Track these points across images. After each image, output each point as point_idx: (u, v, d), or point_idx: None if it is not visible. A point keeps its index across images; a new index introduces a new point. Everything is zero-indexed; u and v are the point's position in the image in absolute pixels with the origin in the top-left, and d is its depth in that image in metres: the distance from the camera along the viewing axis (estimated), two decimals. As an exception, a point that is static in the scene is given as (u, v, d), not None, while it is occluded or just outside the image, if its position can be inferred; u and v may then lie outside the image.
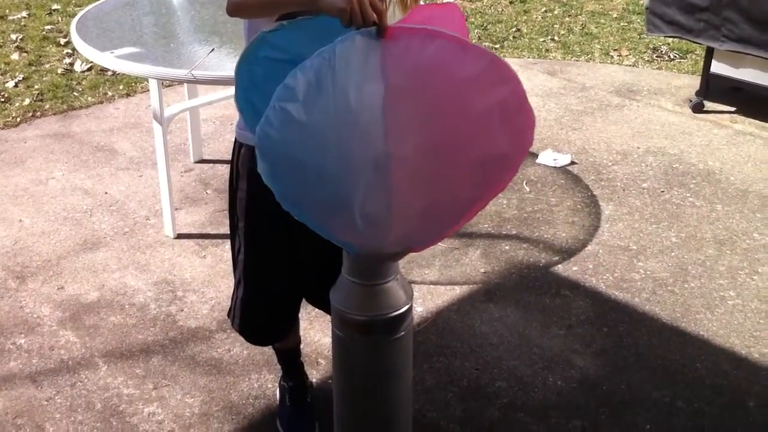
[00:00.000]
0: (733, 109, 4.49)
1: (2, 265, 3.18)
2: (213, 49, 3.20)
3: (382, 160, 1.48)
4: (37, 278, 3.11)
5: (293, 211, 1.56)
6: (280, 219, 1.63)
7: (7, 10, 5.87)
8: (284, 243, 1.99)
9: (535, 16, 5.99)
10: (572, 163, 3.94)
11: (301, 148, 1.49)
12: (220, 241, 3.34)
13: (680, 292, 3.01)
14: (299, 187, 1.54)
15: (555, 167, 3.91)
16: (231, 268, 3.10)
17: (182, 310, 2.93)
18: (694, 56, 5.19)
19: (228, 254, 3.20)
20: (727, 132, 4.26)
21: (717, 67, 4.41)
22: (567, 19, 5.94)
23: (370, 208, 1.52)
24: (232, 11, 1.74)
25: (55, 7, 5.97)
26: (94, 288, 3.05)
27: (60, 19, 5.73)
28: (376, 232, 1.56)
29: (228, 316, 2.31)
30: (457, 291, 3.04)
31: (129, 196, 3.68)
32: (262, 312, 2.22)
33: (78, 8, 5.67)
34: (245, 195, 2.06)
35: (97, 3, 3.70)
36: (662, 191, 3.71)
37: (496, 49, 5.41)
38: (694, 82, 4.67)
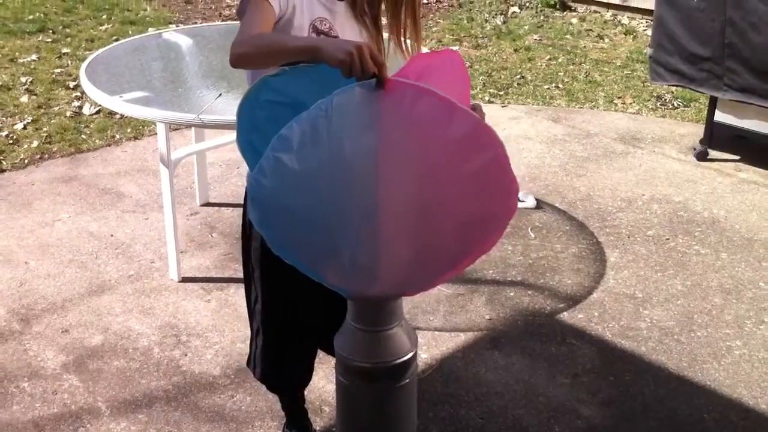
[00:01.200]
0: (737, 157, 4.51)
1: (8, 308, 3.18)
2: (220, 94, 3.23)
3: (371, 210, 1.51)
4: (41, 321, 3.10)
5: (284, 256, 1.59)
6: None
7: (18, 53, 5.94)
8: (301, 290, 1.98)
9: (539, 64, 6.05)
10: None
11: (292, 197, 1.51)
12: (224, 285, 3.34)
13: (687, 342, 3.00)
14: (290, 234, 1.56)
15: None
16: (235, 313, 3.12)
17: (186, 355, 2.91)
18: (697, 104, 5.23)
19: (232, 299, 3.22)
20: (731, 180, 4.28)
21: (720, 116, 4.44)
22: (571, 67, 6.00)
23: (359, 256, 1.54)
24: (236, 62, 1.75)
25: (65, 50, 6.04)
26: (98, 331, 3.05)
27: (70, 62, 5.80)
28: (366, 279, 1.58)
29: (248, 365, 2.32)
30: (462, 338, 3.03)
31: (135, 239, 3.69)
32: (283, 360, 2.23)
33: (88, 52, 5.75)
34: (259, 244, 2.07)
35: (107, 48, 3.75)
36: (667, 239, 3.71)
37: (500, 95, 5.46)
38: (698, 131, 4.69)
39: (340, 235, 1.54)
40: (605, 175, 4.33)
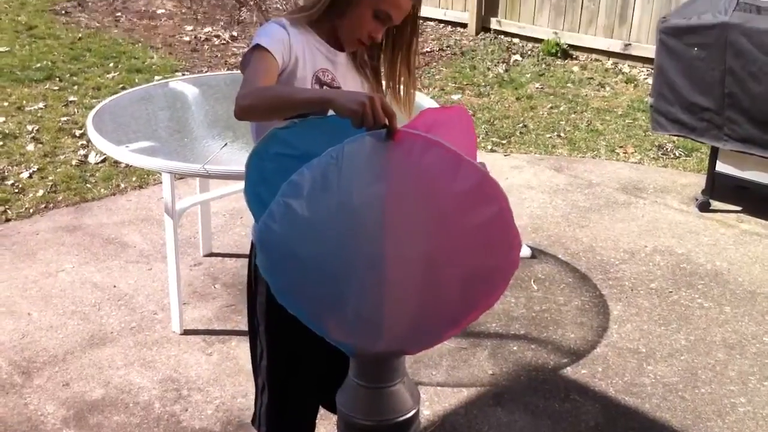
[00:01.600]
0: (739, 208, 4.52)
1: (9, 360, 3.17)
2: (226, 144, 3.26)
3: (377, 260, 1.52)
4: (42, 374, 3.09)
5: (289, 305, 1.59)
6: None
7: (24, 101, 6.00)
8: (307, 345, 1.97)
9: (541, 113, 6.09)
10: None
11: (301, 243, 1.52)
12: (226, 337, 3.34)
13: (690, 398, 2.98)
14: (296, 281, 1.56)
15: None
16: (237, 367, 3.11)
17: (187, 410, 2.90)
18: (699, 154, 5.25)
19: (234, 352, 3.22)
20: (734, 232, 4.28)
21: (722, 166, 4.45)
22: (573, 115, 6.04)
23: (363, 307, 1.54)
24: (242, 115, 1.76)
25: (71, 98, 6.09)
26: (99, 385, 3.04)
27: (76, 110, 5.85)
28: (370, 332, 1.58)
29: (252, 423, 2.30)
30: (465, 393, 3.02)
31: (137, 290, 3.69)
32: (289, 417, 2.22)
33: (95, 100, 5.80)
34: (265, 298, 2.07)
35: (114, 97, 3.79)
36: (670, 292, 3.71)
37: (503, 144, 5.49)
38: (700, 180, 4.71)
39: (345, 284, 1.54)
40: (608, 226, 4.34)
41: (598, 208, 4.56)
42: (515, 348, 3.29)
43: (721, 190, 4.57)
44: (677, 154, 5.34)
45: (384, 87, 2.10)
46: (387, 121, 1.50)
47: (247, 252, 2.21)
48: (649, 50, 6.21)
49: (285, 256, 1.54)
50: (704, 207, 4.53)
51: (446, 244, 1.53)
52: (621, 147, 5.47)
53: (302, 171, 1.48)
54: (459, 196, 1.49)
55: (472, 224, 1.50)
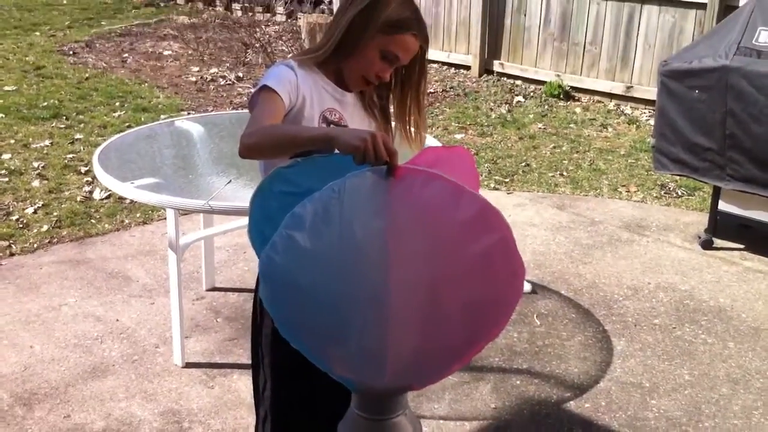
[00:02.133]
0: (742, 246, 4.53)
1: (11, 392, 3.16)
2: (230, 181, 3.29)
3: (380, 293, 1.52)
4: (44, 406, 3.08)
5: (291, 338, 1.59)
6: None
7: (31, 139, 6.05)
8: (312, 376, 1.97)
9: (544, 152, 6.13)
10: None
11: (303, 275, 1.53)
12: (228, 370, 3.33)
13: (695, 433, 2.96)
14: (299, 313, 1.56)
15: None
16: (238, 399, 3.10)
17: (188, 442, 2.89)
18: (702, 193, 5.27)
19: (235, 385, 3.20)
20: (737, 269, 4.28)
21: (725, 205, 4.47)
22: (575, 155, 6.08)
23: (366, 342, 1.54)
24: (246, 153, 1.79)
25: (77, 136, 6.15)
26: (100, 417, 3.02)
27: (82, 148, 5.90)
28: (373, 367, 1.57)
29: None
30: (467, 427, 3.00)
31: (140, 323, 3.69)
32: None
33: (100, 138, 5.86)
34: (270, 331, 2.07)
35: (120, 135, 3.83)
36: (674, 327, 3.70)
37: (506, 182, 5.52)
38: (703, 219, 4.72)
39: (348, 317, 1.54)
40: (610, 263, 4.34)
41: (601, 245, 4.57)
42: (518, 382, 3.28)
43: (723, 228, 4.59)
44: (680, 193, 5.36)
45: (393, 126, 2.14)
46: (388, 158, 1.53)
47: (250, 286, 2.22)
48: (651, 92, 6.28)
49: (287, 288, 1.54)
50: (707, 245, 4.53)
51: (450, 274, 1.54)
52: (623, 186, 5.49)
53: (304, 203, 1.50)
54: (461, 226, 1.51)
55: (475, 253, 1.51)
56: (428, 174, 1.52)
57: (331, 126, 2.02)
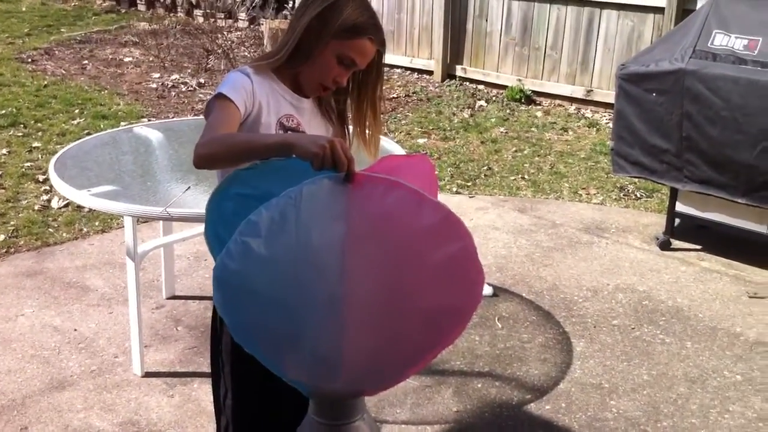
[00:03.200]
0: (699, 246, 4.59)
1: (-36, 405, 3.11)
2: (189, 187, 3.26)
3: (336, 299, 1.52)
4: (0, 418, 3.03)
5: (244, 343, 1.58)
6: None
7: (-12, 148, 5.97)
8: (273, 383, 1.96)
9: (505, 156, 6.17)
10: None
11: (258, 281, 1.52)
12: (188, 379, 3.30)
13: (653, 432, 2.99)
14: (253, 320, 1.56)
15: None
16: (198, 408, 3.08)
17: (147, 452, 2.86)
18: (660, 195, 5.34)
19: (196, 393, 3.18)
20: (694, 269, 4.34)
21: (682, 207, 4.53)
22: (536, 158, 6.12)
23: (321, 346, 1.54)
24: (201, 163, 1.76)
25: (35, 144, 6.07)
26: (58, 428, 2.98)
27: (40, 156, 5.82)
28: (327, 373, 1.57)
29: None
30: (429, 431, 3.00)
31: (98, 333, 3.65)
32: None
33: (59, 146, 5.78)
34: (230, 339, 2.05)
35: (78, 142, 3.79)
36: (633, 328, 3.74)
37: (468, 186, 5.54)
38: (661, 220, 4.78)
39: (303, 324, 1.53)
40: (571, 265, 4.38)
41: (562, 247, 4.60)
42: (479, 385, 3.29)
43: (681, 229, 4.65)
44: (638, 195, 5.42)
45: (350, 131, 2.13)
46: (346, 165, 1.53)
47: (210, 294, 2.20)
48: (611, 96, 6.32)
49: (242, 293, 1.53)
50: (665, 246, 4.59)
51: (409, 282, 1.54)
52: (584, 189, 5.54)
53: (260, 211, 1.49)
54: (422, 235, 1.51)
55: (436, 262, 1.52)
56: (389, 182, 1.52)
57: (289, 132, 2.01)
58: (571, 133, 6.77)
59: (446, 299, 1.55)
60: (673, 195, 4.57)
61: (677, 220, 4.62)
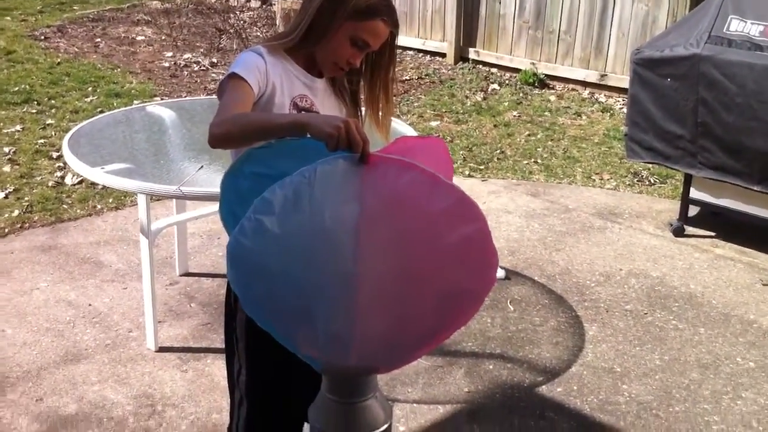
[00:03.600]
0: (713, 233, 4.58)
1: (-20, 377, 3.14)
2: (202, 166, 3.26)
3: (349, 278, 1.52)
4: (16, 389, 3.06)
5: (258, 318, 1.59)
6: None
7: (2, 124, 5.98)
8: (287, 360, 1.97)
9: (518, 140, 6.16)
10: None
11: (272, 259, 1.52)
12: (201, 355, 3.32)
13: (665, 416, 2.99)
14: (266, 294, 1.56)
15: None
16: (211, 383, 3.10)
17: (161, 426, 2.87)
18: (673, 181, 5.32)
19: (209, 369, 3.20)
20: (708, 256, 4.33)
21: (696, 193, 4.52)
22: (550, 143, 6.11)
23: (333, 324, 1.54)
24: (216, 142, 1.76)
25: (49, 121, 6.08)
26: (72, 400, 3.00)
27: (53, 133, 5.83)
28: (339, 349, 1.57)
29: None
30: (440, 411, 3.01)
31: (113, 308, 3.67)
32: (267, 430, 2.21)
33: (72, 123, 5.79)
34: (245, 316, 2.06)
35: (91, 119, 3.79)
36: (645, 313, 3.74)
37: (480, 170, 5.53)
38: (675, 206, 4.77)
39: (316, 301, 1.54)
40: (583, 250, 4.37)
41: (574, 232, 4.60)
42: (491, 367, 3.30)
43: (695, 216, 4.64)
44: (652, 181, 5.41)
45: (363, 111, 2.13)
46: (361, 146, 1.52)
47: (223, 272, 2.21)
48: (625, 81, 6.30)
49: (255, 271, 1.54)
50: (679, 232, 4.58)
51: (422, 263, 1.54)
52: (597, 174, 5.53)
53: (274, 188, 1.49)
54: (437, 216, 1.51)
55: (450, 244, 1.52)
56: (403, 163, 1.52)
57: (303, 112, 2.01)
58: (584, 117, 6.75)
59: (459, 281, 1.55)
60: (687, 181, 4.56)
61: (691, 207, 4.61)
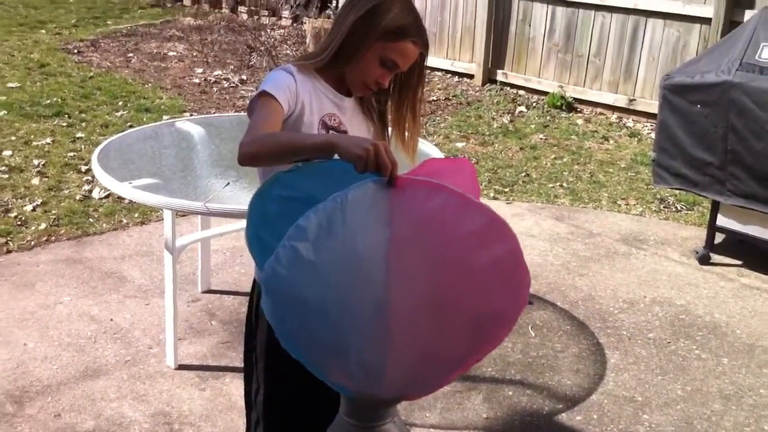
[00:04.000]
0: (739, 262, 4.52)
1: (2, 389, 3.16)
2: (228, 183, 3.28)
3: (381, 306, 1.51)
4: (34, 404, 3.08)
5: (291, 349, 1.58)
6: None
7: (32, 136, 6.06)
8: (305, 385, 1.94)
9: (544, 163, 6.13)
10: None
11: (306, 288, 1.52)
12: (220, 373, 3.32)
13: (686, 448, 2.95)
14: (300, 326, 1.55)
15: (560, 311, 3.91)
16: (229, 403, 3.10)
17: (178, 444, 2.88)
18: (701, 208, 5.27)
19: (227, 388, 3.20)
20: (733, 285, 4.27)
21: (723, 221, 4.47)
22: (576, 167, 6.08)
23: (366, 354, 1.53)
24: (245, 161, 1.77)
25: (79, 135, 6.16)
26: (90, 417, 3.02)
27: (83, 146, 5.90)
28: (371, 379, 1.56)
29: None
30: (458, 436, 2.99)
31: (134, 324, 3.69)
32: None
33: (102, 137, 5.86)
34: (266, 336, 2.07)
35: (120, 134, 3.83)
36: (668, 342, 3.69)
37: (505, 192, 5.52)
38: (701, 234, 4.72)
39: (348, 331, 1.53)
40: (607, 276, 4.34)
41: (598, 257, 4.56)
42: (510, 393, 3.27)
43: (721, 243, 4.59)
44: (679, 208, 5.35)
45: (390, 131, 2.14)
46: (389, 169, 1.52)
47: (246, 290, 2.22)
48: (653, 106, 6.26)
49: (290, 300, 1.53)
50: (704, 260, 4.53)
51: (454, 286, 1.52)
52: (623, 199, 5.49)
53: (308, 215, 1.49)
54: (467, 238, 1.50)
55: (482, 265, 1.51)
56: (432, 185, 1.52)
57: (331, 132, 2.01)
58: (611, 142, 6.71)
59: (491, 303, 1.54)
60: (715, 208, 4.51)
61: (717, 234, 4.55)
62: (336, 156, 1.62)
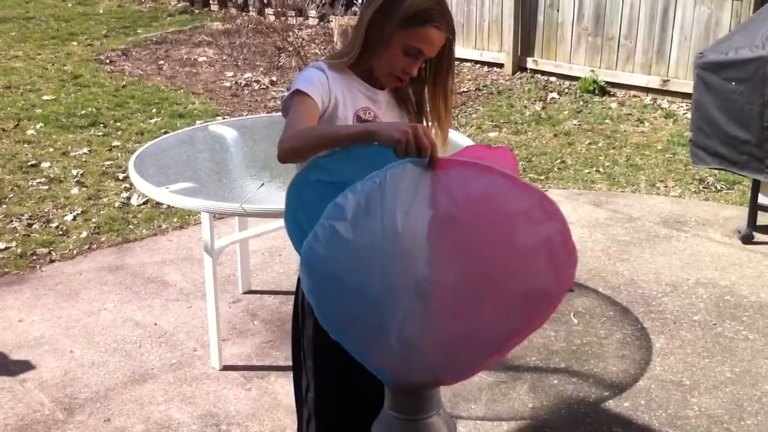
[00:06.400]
0: (783, 240, 4.45)
1: (52, 397, 3.21)
2: (263, 184, 3.30)
3: (423, 284, 1.51)
4: (84, 410, 3.13)
5: (331, 329, 1.58)
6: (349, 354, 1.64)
7: (70, 147, 6.14)
8: (355, 377, 1.95)
9: (579, 149, 6.08)
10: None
11: (344, 266, 1.52)
12: (265, 372, 3.34)
13: (737, 430, 2.91)
14: (339, 304, 1.56)
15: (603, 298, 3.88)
16: (275, 402, 3.12)
17: (226, 445, 2.91)
18: (741, 187, 5.19)
19: (272, 387, 3.22)
20: (778, 263, 4.21)
21: (765, 199, 4.39)
22: (611, 151, 6.01)
23: (406, 331, 1.53)
24: (285, 157, 1.78)
25: (115, 143, 6.23)
26: (139, 421, 3.06)
27: (120, 155, 5.97)
28: (410, 357, 1.56)
29: None
30: (505, 427, 2.98)
31: (178, 327, 3.73)
32: None
33: (137, 144, 5.92)
34: (312, 333, 2.08)
35: (155, 141, 3.87)
36: (714, 324, 3.64)
37: (541, 180, 5.48)
38: (743, 213, 4.64)
39: (389, 309, 1.52)
40: (649, 260, 4.29)
41: (639, 241, 4.51)
42: (555, 381, 3.25)
43: (764, 222, 4.50)
44: (719, 188, 5.28)
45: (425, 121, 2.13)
46: (429, 150, 1.52)
47: (286, 289, 2.22)
48: (688, 86, 6.18)
49: (328, 279, 1.53)
50: (747, 239, 4.46)
51: (498, 266, 1.52)
52: (661, 181, 5.42)
53: (346, 194, 1.49)
54: (516, 217, 1.49)
55: (530, 243, 1.50)
56: (479, 166, 1.52)
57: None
58: (647, 124, 6.63)
59: (537, 282, 1.53)
60: (755, 187, 4.43)
61: (759, 213, 4.48)
62: (375, 143, 1.62)
